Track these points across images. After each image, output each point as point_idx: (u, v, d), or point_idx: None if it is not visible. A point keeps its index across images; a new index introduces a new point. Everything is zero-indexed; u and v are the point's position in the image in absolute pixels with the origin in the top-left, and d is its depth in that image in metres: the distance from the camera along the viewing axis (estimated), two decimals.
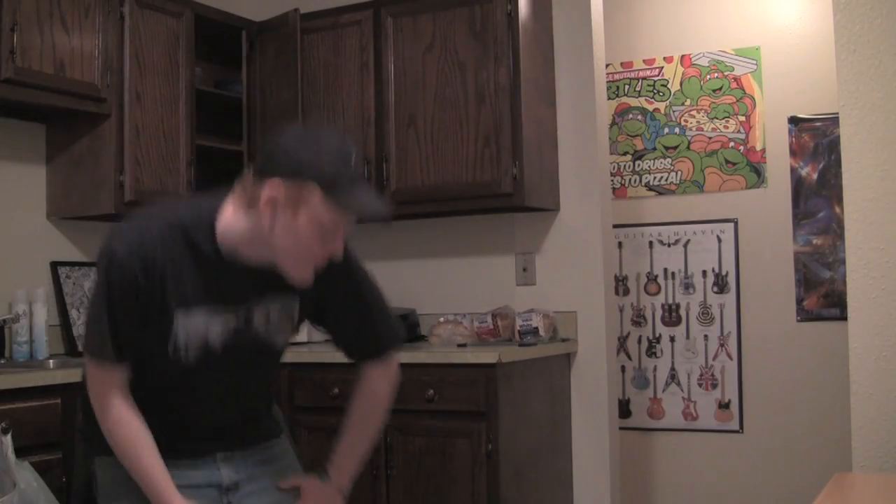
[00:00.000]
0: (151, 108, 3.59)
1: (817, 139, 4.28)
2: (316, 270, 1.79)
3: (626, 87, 4.66)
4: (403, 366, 3.31)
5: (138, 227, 1.79)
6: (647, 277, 4.59)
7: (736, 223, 4.41)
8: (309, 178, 1.66)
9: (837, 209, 4.19)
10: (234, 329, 1.84)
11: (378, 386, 2.08)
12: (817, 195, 4.27)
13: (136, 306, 1.75)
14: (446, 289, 4.03)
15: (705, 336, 4.46)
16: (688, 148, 4.52)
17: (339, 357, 3.59)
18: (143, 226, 1.80)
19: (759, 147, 4.38)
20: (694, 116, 4.51)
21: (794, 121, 4.32)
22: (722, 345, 4.42)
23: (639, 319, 4.60)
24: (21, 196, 3.53)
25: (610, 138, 4.35)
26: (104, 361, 1.79)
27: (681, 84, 4.55)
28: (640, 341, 4.60)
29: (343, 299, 1.98)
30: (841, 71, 1.97)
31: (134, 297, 1.74)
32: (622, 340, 4.60)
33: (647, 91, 4.62)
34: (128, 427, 1.81)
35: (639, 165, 4.63)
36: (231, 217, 1.77)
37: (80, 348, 3.53)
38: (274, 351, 1.98)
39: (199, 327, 1.80)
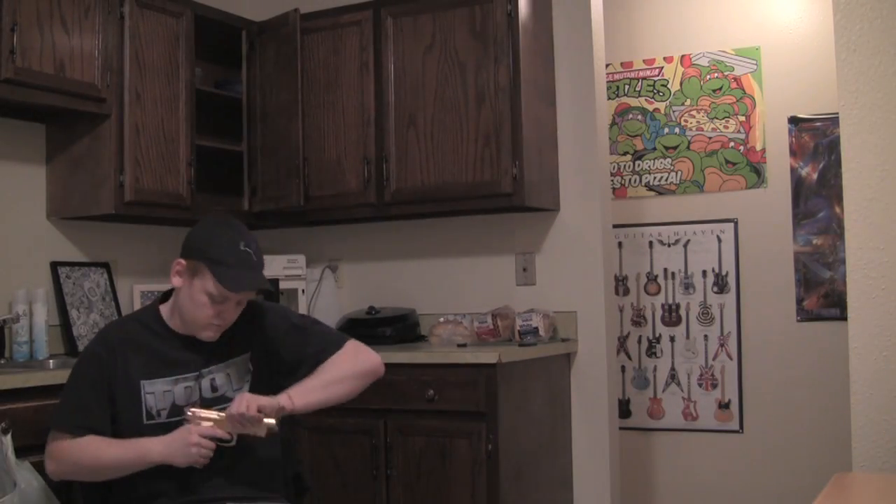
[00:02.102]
0: (151, 108, 3.59)
1: (817, 139, 4.28)
2: (222, 329, 2.21)
3: (626, 87, 4.66)
4: (403, 366, 3.35)
5: (103, 327, 2.36)
6: (647, 277, 4.59)
7: (736, 223, 4.41)
8: (201, 259, 2.14)
9: (837, 209, 4.19)
10: (199, 393, 2.19)
11: (338, 364, 2.28)
12: (817, 195, 4.27)
13: (101, 381, 2.15)
14: (446, 289, 4.03)
15: (705, 336, 4.46)
16: (688, 148, 4.52)
17: None
18: (106, 325, 2.37)
19: (759, 147, 4.38)
20: (694, 116, 4.52)
21: (794, 121, 4.32)
22: (722, 345, 4.42)
23: (639, 319, 4.60)
24: (21, 196, 3.53)
25: (610, 138, 4.35)
26: (65, 430, 2.15)
27: (681, 84, 4.55)
28: (640, 341, 4.60)
29: (292, 347, 2.30)
30: (841, 71, 1.97)
31: (97, 371, 2.16)
32: (622, 340, 4.60)
33: (647, 91, 4.62)
34: (81, 443, 2.12)
35: (639, 165, 4.63)
36: (169, 301, 2.26)
37: (79, 348, 3.53)
38: None
39: (164, 393, 2.16)
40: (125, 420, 2.16)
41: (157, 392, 2.17)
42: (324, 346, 2.30)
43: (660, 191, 4.58)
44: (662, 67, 4.59)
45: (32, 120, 3.53)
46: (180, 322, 2.22)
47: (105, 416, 2.15)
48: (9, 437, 2.52)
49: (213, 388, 2.22)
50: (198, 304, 2.15)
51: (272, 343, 2.30)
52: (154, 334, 2.23)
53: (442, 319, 3.78)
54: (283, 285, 3.95)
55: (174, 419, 2.16)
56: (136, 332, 2.23)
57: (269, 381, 2.28)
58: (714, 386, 4.42)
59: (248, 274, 2.15)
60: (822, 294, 4.25)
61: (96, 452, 2.13)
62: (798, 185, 4.30)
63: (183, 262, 2.18)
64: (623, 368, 4.59)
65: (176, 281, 2.19)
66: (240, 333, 2.28)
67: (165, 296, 2.31)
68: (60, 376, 2.85)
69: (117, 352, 2.18)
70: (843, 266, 4.02)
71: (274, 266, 3.95)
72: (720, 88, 4.46)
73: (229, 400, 2.19)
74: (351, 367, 2.30)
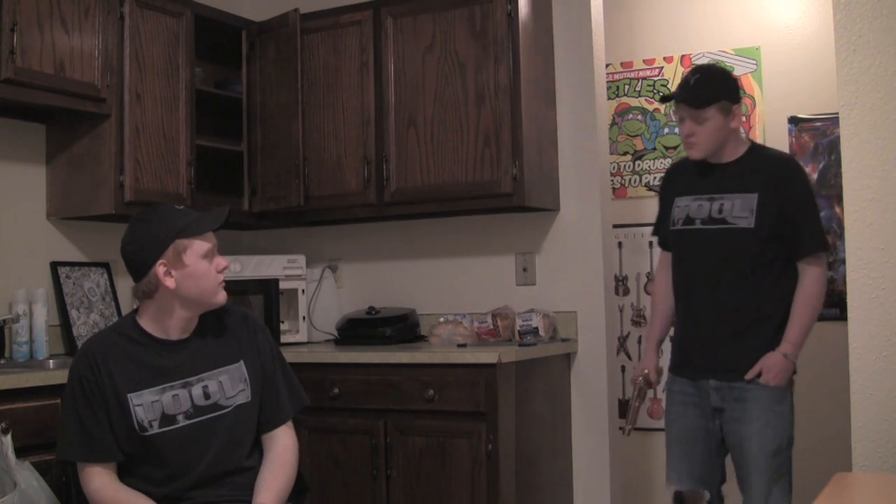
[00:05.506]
0: (151, 108, 3.59)
1: (817, 139, 4.28)
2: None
3: (626, 87, 4.66)
4: (403, 366, 3.35)
5: (83, 344, 2.31)
6: (647, 277, 4.59)
7: None
8: (172, 241, 2.16)
9: (837, 209, 4.19)
10: (191, 401, 2.20)
11: (287, 452, 2.33)
12: (817, 195, 4.24)
13: (93, 401, 2.14)
14: (446, 289, 4.03)
15: None
16: None
17: (339, 357, 3.61)
18: (85, 341, 2.31)
19: None
20: None
21: (794, 121, 4.31)
22: None
23: (639, 319, 4.60)
24: (21, 196, 3.53)
25: (610, 138, 4.34)
26: (73, 460, 2.20)
27: None
28: (640, 341, 4.60)
29: (271, 366, 2.36)
30: (841, 71, 1.97)
31: (87, 392, 2.14)
32: (622, 340, 4.59)
33: (647, 91, 4.62)
34: (108, 490, 2.15)
35: (639, 165, 4.62)
36: (144, 312, 2.24)
37: (79, 348, 3.53)
38: (243, 414, 2.26)
39: (153, 404, 2.16)
40: (121, 435, 2.16)
41: (145, 404, 2.16)
42: (279, 411, 2.35)
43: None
44: (662, 67, 4.59)
45: (32, 120, 3.54)
46: (169, 323, 2.23)
47: (108, 438, 2.15)
48: (9, 437, 2.53)
49: (206, 396, 2.22)
50: (203, 273, 2.19)
51: (260, 359, 2.34)
52: (135, 343, 2.22)
53: (442, 319, 3.78)
54: (283, 285, 3.95)
55: (167, 428, 2.17)
56: (115, 344, 2.22)
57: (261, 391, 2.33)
58: None
59: (205, 215, 2.25)
60: None
61: None
62: None
63: (162, 261, 2.17)
64: (623, 368, 4.58)
65: (170, 282, 2.17)
66: (231, 341, 2.31)
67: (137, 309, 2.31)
68: (60, 376, 2.86)
69: (101, 368, 2.16)
70: (843, 266, 4.02)
71: (274, 266, 3.95)
72: None
73: (223, 408, 2.23)
74: (294, 469, 2.34)
